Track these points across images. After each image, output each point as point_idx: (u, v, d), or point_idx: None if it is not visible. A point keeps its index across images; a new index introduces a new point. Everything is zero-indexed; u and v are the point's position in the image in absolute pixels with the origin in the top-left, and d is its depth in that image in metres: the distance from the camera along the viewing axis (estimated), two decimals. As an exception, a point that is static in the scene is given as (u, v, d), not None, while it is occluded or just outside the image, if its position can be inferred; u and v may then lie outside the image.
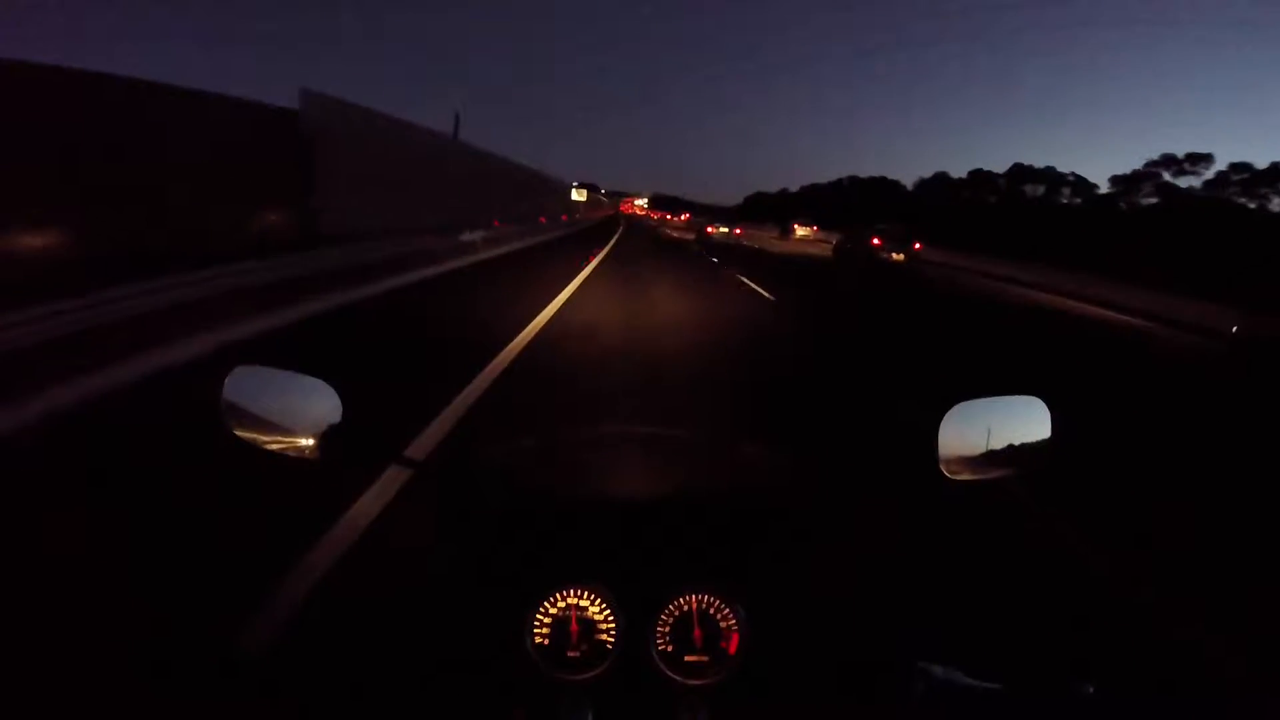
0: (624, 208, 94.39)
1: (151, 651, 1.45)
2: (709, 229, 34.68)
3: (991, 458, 0.89)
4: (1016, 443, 0.89)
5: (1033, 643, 1.86)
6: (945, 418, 0.89)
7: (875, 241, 20.90)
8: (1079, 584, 2.33)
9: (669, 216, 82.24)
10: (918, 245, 21.15)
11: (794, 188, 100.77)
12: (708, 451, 1.28)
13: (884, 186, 69.86)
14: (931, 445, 0.89)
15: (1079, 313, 13.34)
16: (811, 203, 71.79)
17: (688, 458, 1.24)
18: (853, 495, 1.03)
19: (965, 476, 0.88)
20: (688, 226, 50.60)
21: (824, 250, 27.05)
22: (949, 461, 0.89)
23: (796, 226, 45.17)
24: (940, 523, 2.11)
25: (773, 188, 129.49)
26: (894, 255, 20.64)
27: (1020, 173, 52.65)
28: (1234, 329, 9.56)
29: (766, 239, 38.71)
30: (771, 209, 75.51)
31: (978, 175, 56.95)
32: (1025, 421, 0.90)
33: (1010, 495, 2.82)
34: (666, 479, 1.13)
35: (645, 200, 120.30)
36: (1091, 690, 0.74)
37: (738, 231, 38.10)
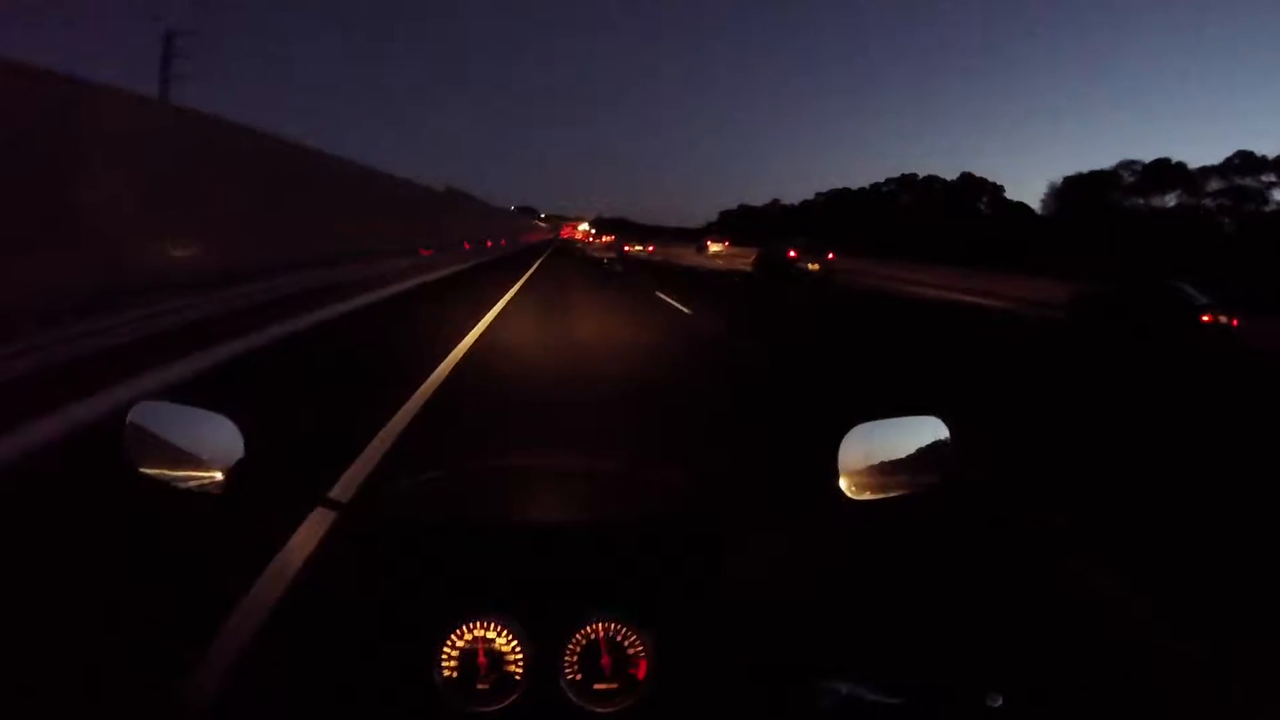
0: (565, 232, 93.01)
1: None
2: (625, 247, 46.16)
3: (892, 476, 0.90)
4: (916, 461, 0.91)
5: (940, 656, 1.90)
6: (845, 437, 0.90)
7: (791, 254, 23.24)
8: (987, 596, 2.39)
9: (590, 239, 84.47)
10: (831, 255, 24.06)
11: (797, 198, 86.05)
12: (614, 478, 1.28)
13: (976, 189, 52.35)
14: (832, 464, 0.90)
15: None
16: (834, 216, 60.92)
17: (594, 485, 1.23)
18: (757, 517, 1.03)
19: (866, 495, 0.89)
20: (608, 246, 59.81)
21: (725, 264, 34.53)
22: (850, 481, 0.89)
23: (709, 242, 54.89)
24: (844, 541, 2.17)
25: (761, 199, 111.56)
26: (810, 265, 22.95)
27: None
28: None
29: (681, 254, 47.27)
30: (760, 228, 64.52)
31: (1164, 166, 42.62)
32: (925, 440, 0.92)
33: (914, 509, 2.91)
34: (573, 507, 1.14)
35: (588, 224, 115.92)
36: (1000, 703, 0.75)
37: (650, 249, 49.28)
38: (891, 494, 0.90)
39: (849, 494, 0.89)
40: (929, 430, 0.92)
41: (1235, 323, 12.03)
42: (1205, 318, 11.94)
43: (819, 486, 0.90)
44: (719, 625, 0.87)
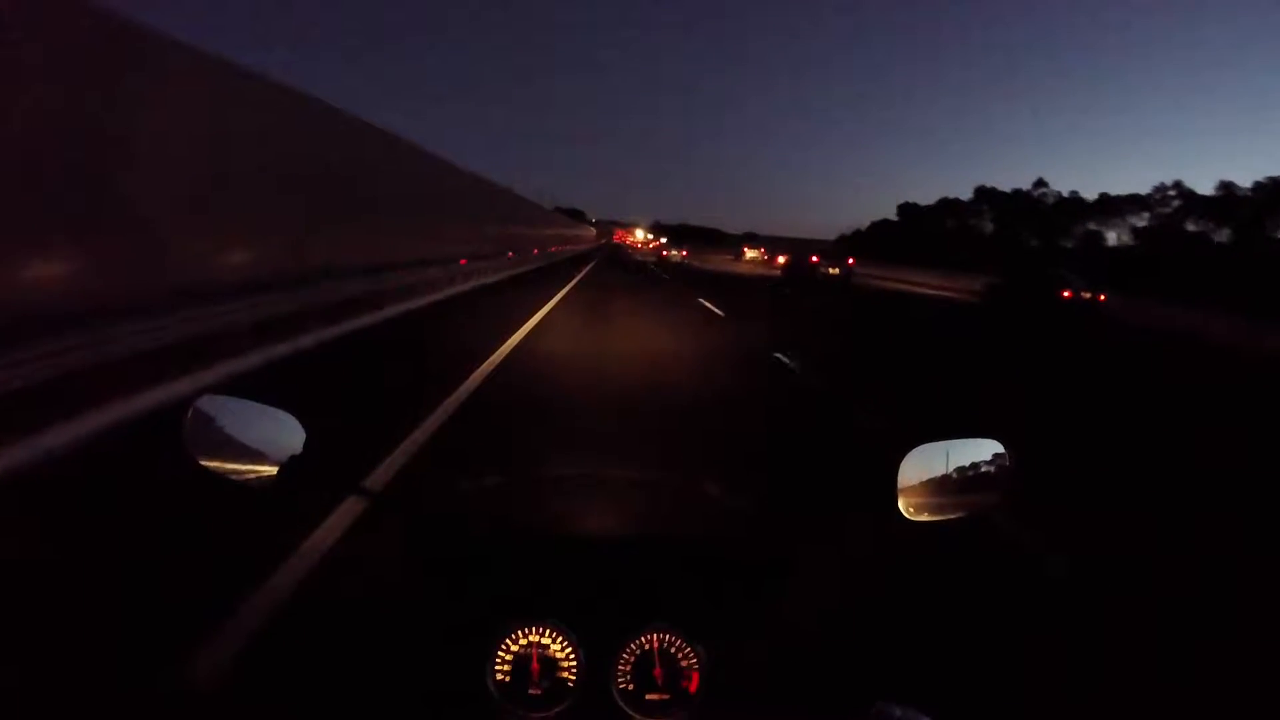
0: (618, 237, 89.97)
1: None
2: (663, 253, 52.51)
3: (950, 498, 0.90)
4: (974, 482, 0.91)
5: (989, 681, 1.88)
6: (904, 459, 0.90)
7: (814, 259, 25.96)
8: (1036, 622, 2.35)
9: (640, 246, 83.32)
10: (851, 261, 26.33)
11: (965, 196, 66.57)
12: (671, 492, 1.29)
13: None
14: (890, 486, 0.90)
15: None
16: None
17: (651, 498, 1.24)
18: (814, 537, 1.03)
19: (924, 517, 0.89)
20: (651, 251, 64.70)
21: (762, 270, 38.60)
22: (908, 503, 0.90)
23: (746, 249, 61.19)
24: (899, 563, 2.14)
25: (931, 197, 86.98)
26: (831, 270, 25.29)
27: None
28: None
29: (719, 260, 52.18)
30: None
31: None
32: (983, 461, 0.92)
33: (968, 533, 2.89)
34: (629, 519, 1.15)
35: (643, 231, 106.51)
36: None
37: (683, 253, 53.99)
38: (950, 516, 0.90)
39: (907, 515, 0.89)
40: (987, 452, 0.93)
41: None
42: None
43: (876, 508, 0.90)
44: (773, 643, 0.88)
